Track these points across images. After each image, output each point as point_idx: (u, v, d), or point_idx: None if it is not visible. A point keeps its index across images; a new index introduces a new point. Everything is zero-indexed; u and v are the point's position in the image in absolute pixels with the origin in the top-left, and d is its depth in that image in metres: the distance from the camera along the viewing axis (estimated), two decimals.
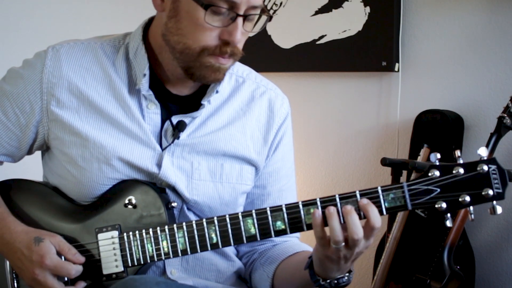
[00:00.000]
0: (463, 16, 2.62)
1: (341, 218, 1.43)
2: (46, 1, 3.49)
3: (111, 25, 3.27)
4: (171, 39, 1.56)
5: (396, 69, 2.73)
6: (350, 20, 2.80)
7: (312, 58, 2.89)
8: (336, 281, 1.51)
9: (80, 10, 3.45)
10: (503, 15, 2.54)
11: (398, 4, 2.71)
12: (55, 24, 3.46)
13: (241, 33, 1.52)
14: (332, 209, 1.43)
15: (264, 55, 2.93)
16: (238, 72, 1.74)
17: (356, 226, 1.41)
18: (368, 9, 2.77)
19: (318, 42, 2.88)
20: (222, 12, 1.49)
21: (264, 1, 1.56)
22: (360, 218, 1.43)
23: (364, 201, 1.42)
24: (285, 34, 2.94)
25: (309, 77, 2.96)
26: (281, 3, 2.95)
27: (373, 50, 2.76)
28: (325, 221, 1.44)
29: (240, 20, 1.50)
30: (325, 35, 2.86)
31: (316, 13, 2.88)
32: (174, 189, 1.63)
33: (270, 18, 1.58)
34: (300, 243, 1.78)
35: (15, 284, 1.65)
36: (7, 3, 3.53)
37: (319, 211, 1.44)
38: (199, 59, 1.54)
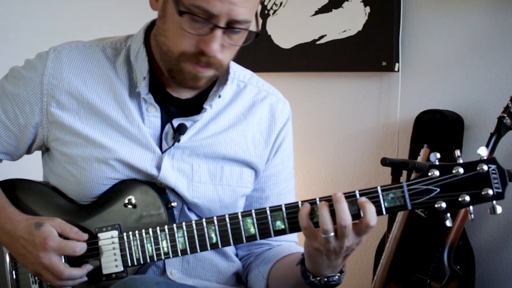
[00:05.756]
0: (463, 16, 2.62)
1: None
2: (46, 1, 3.49)
3: (111, 25, 3.28)
4: (159, 39, 1.57)
5: (396, 69, 2.73)
6: (350, 20, 2.80)
7: (312, 58, 2.89)
8: (326, 279, 1.51)
9: (81, 10, 3.45)
10: (503, 15, 2.54)
11: (398, 4, 2.71)
12: (55, 24, 3.46)
13: (222, 46, 1.50)
14: (323, 202, 1.44)
15: (264, 55, 2.93)
16: (239, 77, 1.73)
17: (344, 212, 1.41)
18: (368, 9, 2.77)
19: (318, 42, 2.88)
20: (200, 21, 1.47)
21: (257, 14, 1.53)
22: (357, 218, 1.43)
23: (363, 199, 1.42)
24: (285, 34, 2.94)
25: (309, 77, 2.96)
26: (281, 3, 2.95)
27: (373, 50, 2.76)
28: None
29: (218, 32, 1.48)
30: (325, 35, 2.86)
31: (316, 13, 2.88)
32: (174, 191, 1.64)
33: (257, 35, 1.54)
34: (296, 246, 1.78)
35: (14, 275, 1.65)
36: (7, 3, 3.53)
37: (306, 203, 1.45)
38: (178, 64, 1.54)
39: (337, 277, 1.51)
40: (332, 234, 1.42)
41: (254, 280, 1.74)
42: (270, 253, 1.75)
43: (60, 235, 1.57)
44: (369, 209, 1.41)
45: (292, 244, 1.79)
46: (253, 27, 1.54)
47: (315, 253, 1.47)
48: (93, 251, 1.60)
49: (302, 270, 1.53)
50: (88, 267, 1.59)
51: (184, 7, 1.47)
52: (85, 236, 1.59)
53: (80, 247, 1.57)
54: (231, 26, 1.49)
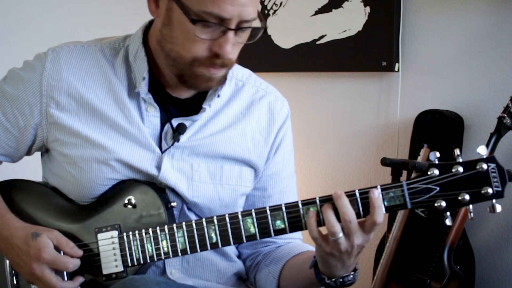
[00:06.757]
0: (463, 16, 2.62)
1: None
2: (46, 1, 3.49)
3: (111, 25, 3.28)
4: (165, 46, 1.56)
5: (396, 69, 2.73)
6: (350, 20, 2.80)
7: (312, 58, 2.89)
8: (341, 280, 1.51)
9: (80, 10, 3.45)
10: (503, 15, 2.55)
11: (398, 4, 2.71)
12: (55, 24, 3.46)
13: (232, 45, 1.51)
14: (326, 205, 1.44)
15: (264, 55, 2.93)
16: (238, 76, 1.74)
17: (346, 207, 1.42)
18: (368, 9, 2.77)
19: (318, 42, 2.88)
20: (212, 25, 1.48)
21: (259, 11, 1.54)
22: (360, 217, 1.43)
23: (376, 194, 1.43)
24: (285, 34, 2.94)
25: (309, 77, 2.96)
26: (281, 3, 2.95)
27: (373, 50, 2.76)
28: (322, 220, 1.45)
29: (230, 33, 1.49)
30: (325, 35, 2.86)
31: (316, 13, 2.88)
32: (174, 191, 1.64)
33: (264, 30, 1.55)
34: (303, 244, 1.78)
35: (15, 282, 1.65)
36: (7, 3, 3.54)
37: (312, 212, 1.45)
38: (191, 68, 1.54)
39: (351, 276, 1.52)
40: (341, 235, 1.42)
41: (264, 280, 1.74)
42: (279, 253, 1.75)
43: (56, 248, 1.57)
44: (378, 208, 1.42)
45: (298, 241, 1.79)
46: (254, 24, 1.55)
47: (328, 257, 1.48)
48: (93, 251, 1.60)
49: (316, 273, 1.54)
50: (80, 279, 1.59)
51: (195, 15, 1.47)
52: (80, 252, 1.59)
53: (73, 264, 1.57)
54: (240, 27, 1.50)
